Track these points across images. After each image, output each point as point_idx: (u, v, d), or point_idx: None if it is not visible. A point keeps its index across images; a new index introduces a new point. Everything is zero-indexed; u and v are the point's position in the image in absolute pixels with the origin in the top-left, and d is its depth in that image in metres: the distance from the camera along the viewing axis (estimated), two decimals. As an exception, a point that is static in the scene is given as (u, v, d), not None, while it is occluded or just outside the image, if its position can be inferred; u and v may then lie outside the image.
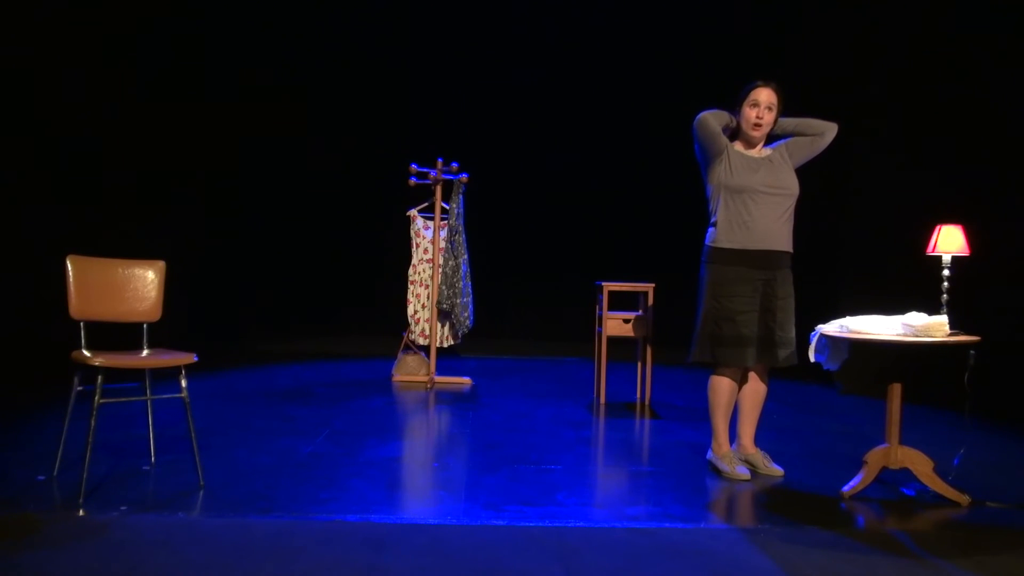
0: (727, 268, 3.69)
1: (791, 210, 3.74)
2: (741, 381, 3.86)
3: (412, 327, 6.34)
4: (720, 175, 3.72)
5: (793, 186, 3.73)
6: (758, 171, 3.69)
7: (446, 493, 3.47)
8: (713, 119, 3.74)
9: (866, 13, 7.16)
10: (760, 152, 3.81)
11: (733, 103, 3.81)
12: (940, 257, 3.65)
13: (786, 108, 3.79)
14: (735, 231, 3.68)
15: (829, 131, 3.80)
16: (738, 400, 3.89)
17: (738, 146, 3.80)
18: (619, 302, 5.81)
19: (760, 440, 3.97)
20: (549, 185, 8.40)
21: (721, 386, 3.80)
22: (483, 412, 5.28)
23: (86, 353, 3.25)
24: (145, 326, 3.63)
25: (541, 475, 3.74)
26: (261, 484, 3.45)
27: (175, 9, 7.64)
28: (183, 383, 3.38)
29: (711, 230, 3.78)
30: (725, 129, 3.79)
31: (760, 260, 3.68)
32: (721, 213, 3.72)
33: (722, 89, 3.92)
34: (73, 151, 7.11)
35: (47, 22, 6.86)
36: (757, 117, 3.71)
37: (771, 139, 3.88)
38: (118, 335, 3.63)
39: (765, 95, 3.72)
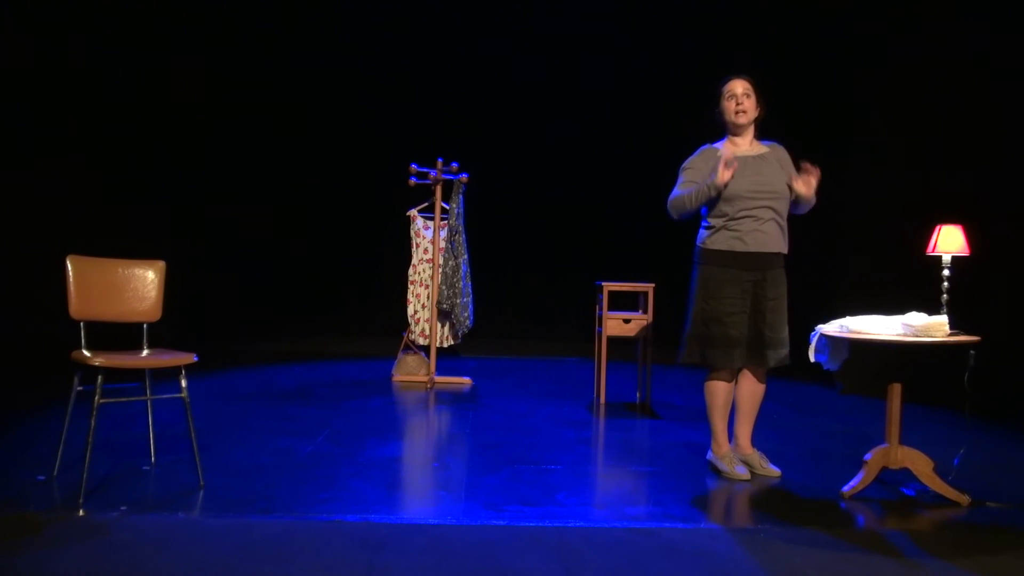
0: (716, 269, 3.68)
1: (781, 211, 3.68)
2: (739, 381, 3.85)
3: (412, 327, 6.34)
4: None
5: (780, 188, 3.66)
6: (743, 173, 3.64)
7: (446, 493, 3.47)
8: (689, 203, 3.69)
9: (865, 13, 7.16)
10: (752, 147, 3.77)
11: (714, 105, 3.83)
12: (940, 257, 3.65)
13: (785, 108, 3.78)
14: (723, 234, 3.66)
15: (803, 208, 3.75)
16: (736, 400, 3.88)
17: (726, 147, 3.78)
18: (619, 302, 5.82)
19: (760, 440, 3.97)
20: (549, 185, 8.39)
21: (716, 389, 3.80)
22: (483, 412, 5.28)
23: (86, 353, 3.25)
24: (145, 326, 3.63)
25: (541, 475, 3.74)
26: (261, 484, 3.45)
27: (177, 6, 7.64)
28: (183, 383, 3.38)
29: (701, 232, 3.77)
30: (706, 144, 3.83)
31: (750, 262, 3.65)
32: (711, 215, 3.71)
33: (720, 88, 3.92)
34: (73, 150, 7.11)
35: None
36: (737, 105, 3.73)
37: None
38: (118, 335, 3.63)
39: (739, 86, 3.75)
